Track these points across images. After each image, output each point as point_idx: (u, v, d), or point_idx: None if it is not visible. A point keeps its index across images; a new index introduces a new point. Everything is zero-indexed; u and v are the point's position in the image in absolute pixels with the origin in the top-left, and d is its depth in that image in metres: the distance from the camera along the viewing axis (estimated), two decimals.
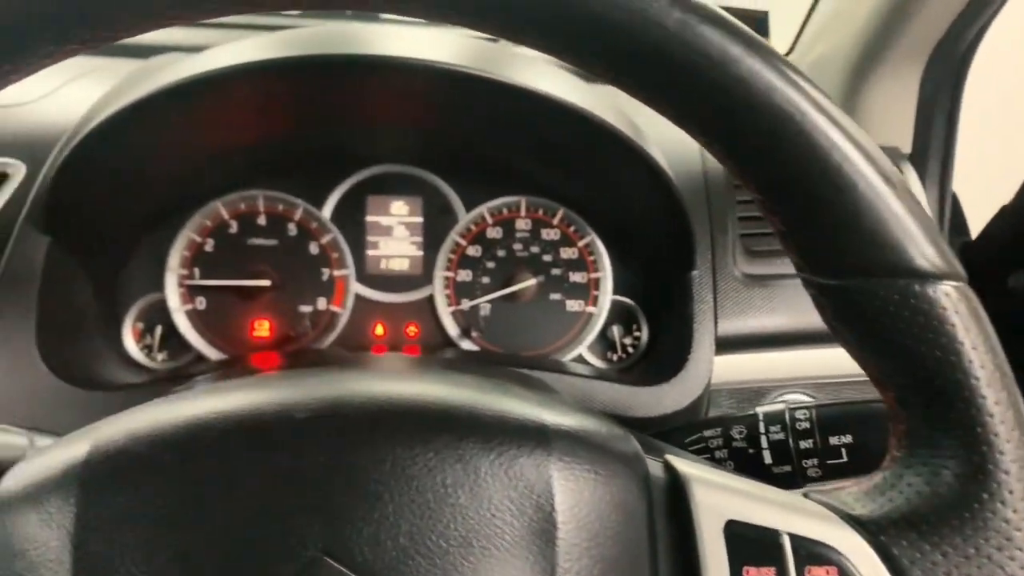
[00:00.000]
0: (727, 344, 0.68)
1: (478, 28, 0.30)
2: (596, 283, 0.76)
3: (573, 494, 0.29)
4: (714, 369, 0.67)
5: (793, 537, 0.30)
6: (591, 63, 0.30)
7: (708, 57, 0.28)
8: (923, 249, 0.29)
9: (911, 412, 0.31)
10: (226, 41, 0.67)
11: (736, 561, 0.30)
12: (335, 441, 0.28)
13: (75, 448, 0.29)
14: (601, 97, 0.64)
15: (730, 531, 0.30)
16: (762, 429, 0.45)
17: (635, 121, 0.66)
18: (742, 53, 0.28)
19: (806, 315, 0.69)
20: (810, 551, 0.30)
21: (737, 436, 0.46)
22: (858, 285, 0.30)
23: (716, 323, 0.68)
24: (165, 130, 0.65)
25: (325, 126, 0.72)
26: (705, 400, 0.68)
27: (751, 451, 0.45)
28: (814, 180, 0.29)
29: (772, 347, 0.69)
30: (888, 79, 0.76)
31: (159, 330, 0.72)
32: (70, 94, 0.73)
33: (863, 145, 0.29)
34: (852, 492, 0.32)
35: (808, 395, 0.70)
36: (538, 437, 0.30)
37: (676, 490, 0.32)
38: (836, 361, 0.71)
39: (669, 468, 0.32)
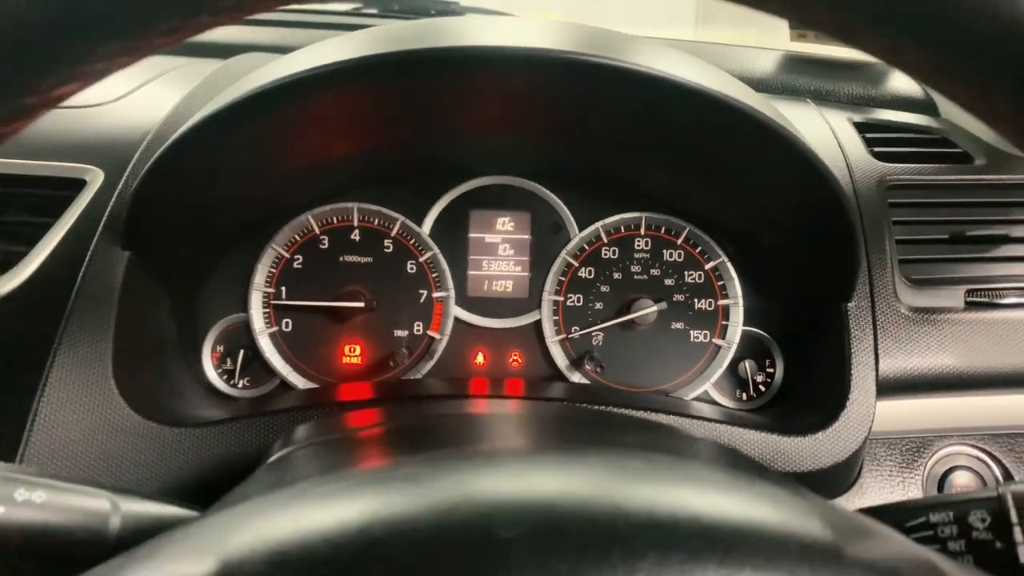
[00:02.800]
0: (888, 388, 0.59)
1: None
2: (725, 312, 0.67)
3: None
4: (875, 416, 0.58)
5: None
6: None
7: None
8: None
9: None
10: (304, 40, 0.60)
11: None
12: (562, 569, 0.20)
13: (199, 566, 0.21)
14: (745, 88, 0.56)
15: None
16: (1014, 518, 0.36)
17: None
18: None
19: (979, 355, 0.60)
20: None
21: (979, 525, 0.37)
22: None
23: (877, 363, 0.59)
24: (256, 137, 0.58)
25: (426, 133, 0.65)
26: (863, 452, 0.58)
27: (999, 544, 0.36)
28: None
29: (942, 392, 0.60)
30: None
31: (241, 354, 0.66)
32: (147, 96, 0.67)
33: None
34: None
35: (982, 448, 0.61)
36: (829, 566, 0.21)
37: None
38: (1013, 408, 0.61)
39: None
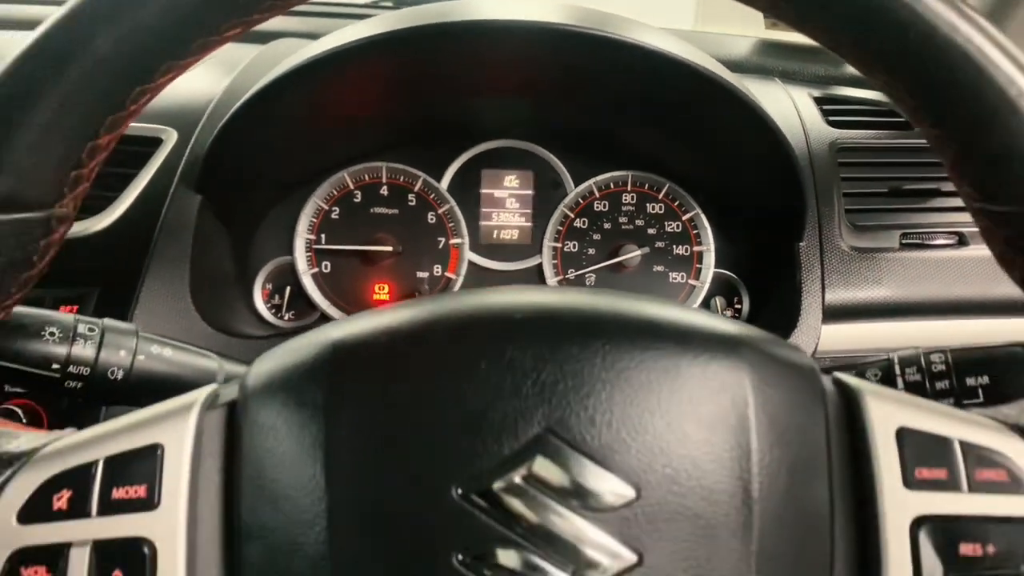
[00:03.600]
0: (833, 314, 0.70)
1: None
2: (699, 256, 0.79)
3: (763, 395, 0.32)
4: (821, 337, 0.69)
5: (963, 443, 0.33)
6: None
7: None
8: None
9: None
10: (329, 28, 0.72)
11: (908, 463, 0.33)
12: (552, 338, 0.32)
13: (322, 339, 0.33)
14: (714, 61, 0.67)
15: (901, 437, 0.33)
16: (898, 371, 0.48)
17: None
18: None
19: (911, 287, 0.71)
20: (980, 455, 0.33)
21: (871, 378, 0.48)
22: None
23: (824, 294, 0.70)
24: (304, 102, 0.69)
25: (444, 100, 0.76)
26: None
27: None
28: (992, 112, 0.32)
29: (878, 318, 0.71)
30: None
31: (288, 291, 0.77)
32: (207, 71, 0.79)
33: None
34: (1012, 408, 0.35)
35: None
36: (731, 345, 0.33)
37: (848, 401, 0.34)
38: (944, 332, 0.72)
39: (839, 383, 0.35)
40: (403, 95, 0.75)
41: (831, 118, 0.79)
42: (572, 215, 0.79)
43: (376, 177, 0.79)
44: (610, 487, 0.30)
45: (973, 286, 0.72)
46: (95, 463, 0.31)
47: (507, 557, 0.30)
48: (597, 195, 0.79)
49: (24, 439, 0.32)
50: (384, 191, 0.79)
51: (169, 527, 0.31)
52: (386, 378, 0.31)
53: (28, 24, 0.98)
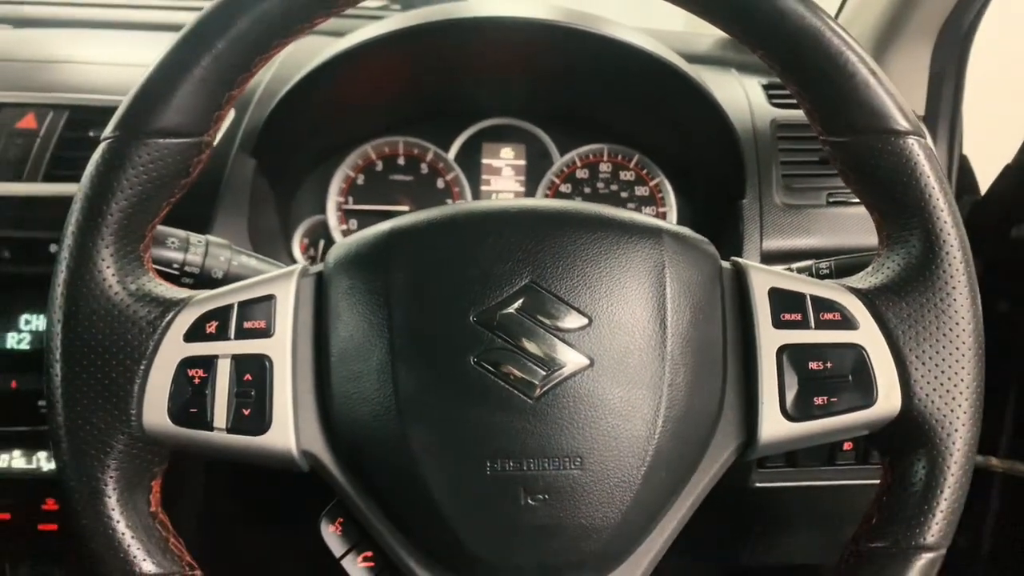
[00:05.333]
0: (769, 258, 0.86)
1: None
2: (663, 215, 0.95)
3: (678, 267, 0.48)
4: None
5: (812, 297, 0.49)
6: None
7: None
8: (897, 115, 0.48)
9: (889, 221, 0.49)
10: (345, 27, 0.88)
11: (776, 310, 0.49)
12: (533, 224, 0.47)
13: (381, 228, 0.49)
14: (671, 51, 0.83)
15: (772, 294, 0.49)
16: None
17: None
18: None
19: (834, 237, 0.87)
20: (823, 304, 0.49)
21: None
22: (857, 140, 0.48)
23: (762, 241, 0.86)
24: (336, 87, 0.85)
25: (451, 86, 0.92)
26: None
27: None
28: (833, 71, 0.47)
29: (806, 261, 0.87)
30: (903, 53, 0.93)
31: (322, 244, 0.93)
32: None
33: (859, 53, 0.48)
34: (853, 278, 0.51)
35: None
36: (655, 234, 0.49)
37: (738, 273, 0.50)
38: None
39: (734, 262, 0.51)
40: (416, 81, 0.91)
41: (774, 101, 0.95)
42: (558, 181, 0.95)
43: (394, 149, 0.94)
44: (572, 318, 0.46)
45: None
46: (232, 305, 0.47)
47: (504, 359, 0.45)
48: (579, 164, 0.95)
49: (176, 290, 0.48)
50: (401, 161, 0.95)
51: (281, 348, 0.47)
52: (424, 248, 0.47)
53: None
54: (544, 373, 0.45)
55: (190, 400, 0.45)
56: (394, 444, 0.45)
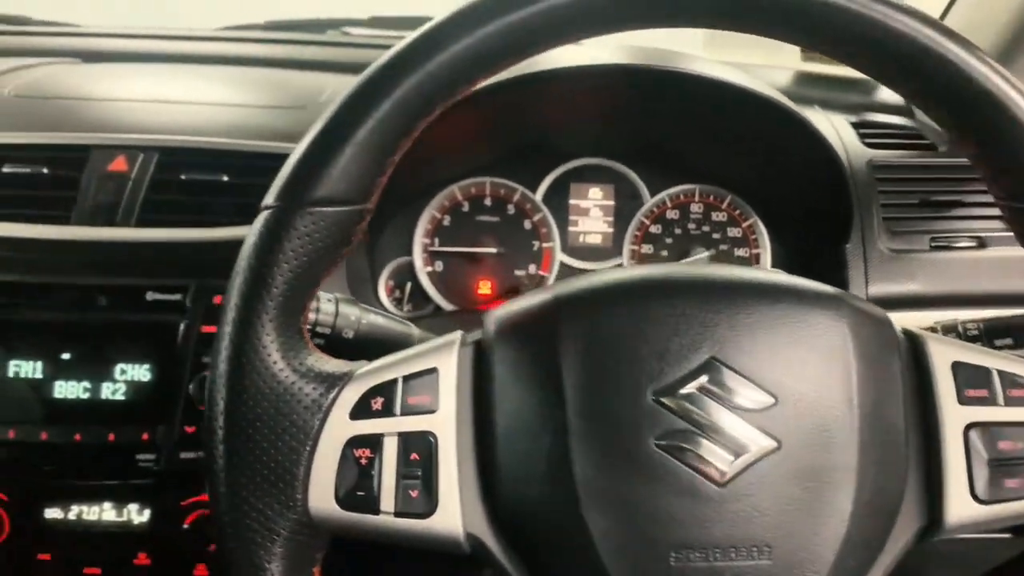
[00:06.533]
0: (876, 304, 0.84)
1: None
2: (756, 257, 0.92)
3: (858, 336, 0.46)
4: None
5: (999, 371, 0.46)
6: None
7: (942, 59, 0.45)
8: None
9: None
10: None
11: (960, 386, 0.46)
12: (709, 294, 0.45)
13: (546, 295, 0.46)
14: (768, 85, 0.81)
15: (955, 368, 0.47)
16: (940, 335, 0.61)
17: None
18: (965, 55, 0.44)
19: (941, 282, 0.85)
20: (1011, 380, 0.46)
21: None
22: None
23: (867, 288, 0.84)
24: (426, 134, 0.83)
25: (539, 127, 0.91)
26: None
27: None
28: (1012, 135, 0.45)
29: (912, 308, 0.84)
30: None
31: (408, 286, 0.91)
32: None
33: None
34: None
35: None
36: (836, 303, 0.46)
37: (914, 345, 0.48)
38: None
39: (907, 332, 0.49)
40: (504, 124, 0.89)
41: (867, 140, 0.92)
42: (648, 222, 0.93)
43: (481, 190, 0.93)
44: (756, 396, 0.44)
45: (991, 282, 0.85)
46: (396, 380, 0.45)
47: (686, 441, 0.43)
48: (669, 205, 0.93)
49: (337, 363, 0.46)
50: (487, 202, 0.93)
51: (446, 424, 0.45)
52: (595, 319, 0.45)
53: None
54: (730, 457, 0.43)
55: (357, 482, 0.43)
56: (569, 530, 0.43)
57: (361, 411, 0.44)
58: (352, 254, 0.48)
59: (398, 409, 0.44)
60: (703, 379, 0.43)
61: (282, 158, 0.84)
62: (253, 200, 0.81)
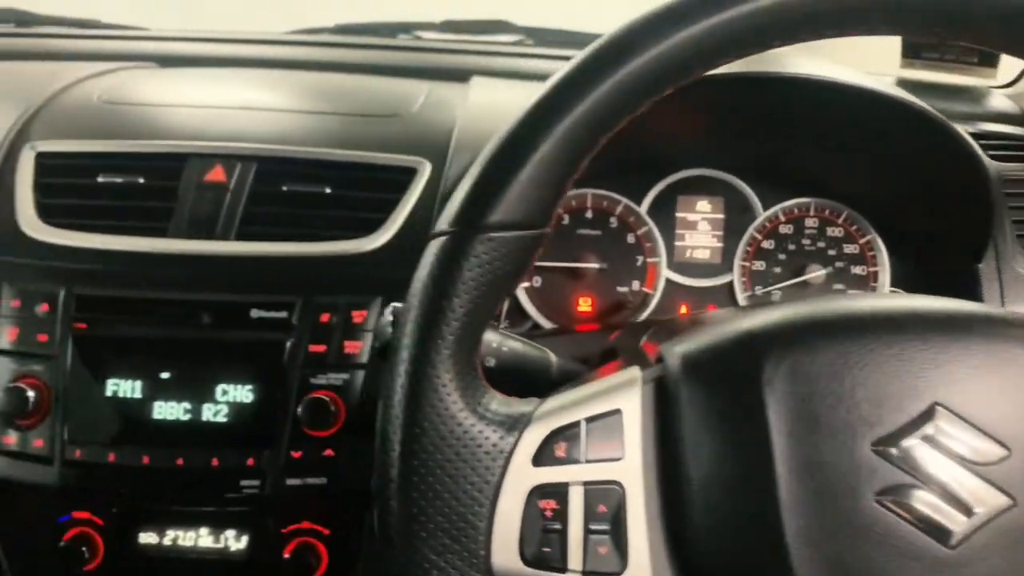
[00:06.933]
0: None
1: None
2: (874, 276, 0.87)
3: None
4: None
5: None
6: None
7: None
8: None
9: None
10: None
11: None
12: (927, 333, 0.41)
13: (735, 329, 0.42)
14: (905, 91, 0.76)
15: None
16: None
17: None
18: None
19: None
20: None
21: None
22: None
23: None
24: None
25: (644, 137, 0.86)
26: None
27: None
28: None
29: None
30: None
31: (506, 303, 0.87)
32: (432, 105, 0.90)
33: None
34: None
35: None
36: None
37: None
38: None
39: None
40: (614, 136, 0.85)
41: (991, 152, 0.87)
42: (760, 237, 0.88)
43: (582, 202, 0.88)
44: (986, 447, 0.39)
45: None
46: (579, 422, 0.40)
47: (911, 497, 0.38)
48: (782, 219, 0.88)
49: (514, 402, 0.42)
50: (589, 215, 0.88)
51: (633, 473, 0.40)
52: (801, 359, 0.40)
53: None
54: (960, 516, 0.38)
55: (542, 537, 0.39)
56: None
57: (544, 457, 0.40)
58: (527, 281, 0.44)
59: (583, 455, 0.40)
60: (927, 427, 0.39)
61: (383, 169, 0.82)
62: (353, 213, 0.78)
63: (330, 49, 1.20)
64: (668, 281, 0.88)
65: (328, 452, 0.70)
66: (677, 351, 0.43)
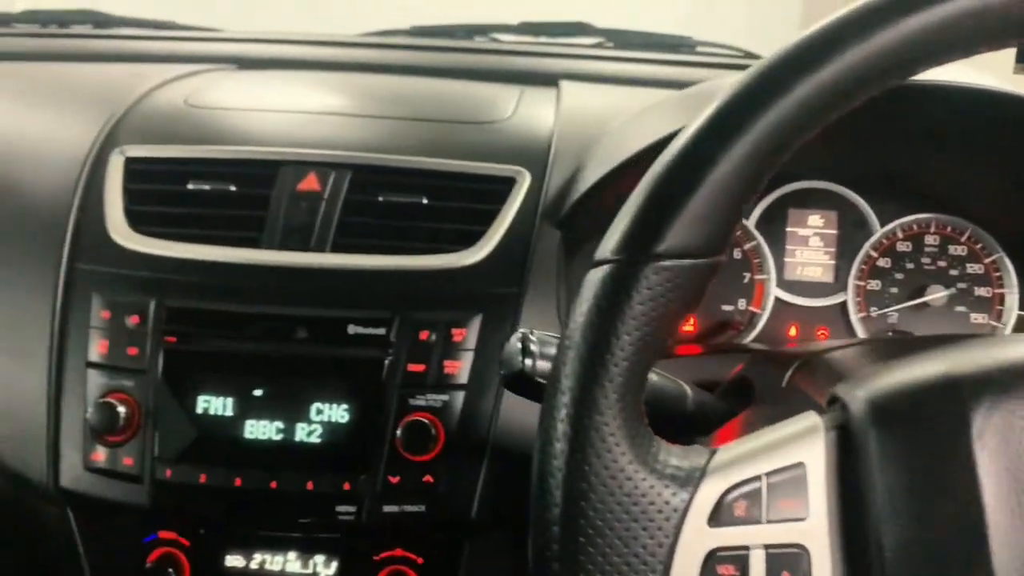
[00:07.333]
0: None
1: None
2: (1001, 298, 0.81)
3: None
4: None
5: None
6: None
7: None
8: None
9: None
10: None
11: None
12: None
13: (932, 372, 0.37)
14: None
15: None
16: None
17: None
18: None
19: None
20: None
21: None
22: None
23: None
24: None
25: None
26: None
27: None
28: None
29: None
30: None
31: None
32: (530, 109, 0.86)
33: None
34: None
35: None
36: None
37: None
38: None
39: None
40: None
41: None
42: (876, 255, 0.82)
43: None
44: None
45: None
46: (759, 477, 0.36)
47: None
48: (900, 236, 0.82)
49: (683, 451, 0.37)
50: None
51: (818, 535, 0.36)
52: (1013, 408, 0.35)
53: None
54: None
55: None
56: None
57: (722, 516, 0.35)
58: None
59: (764, 515, 0.36)
60: None
61: (481, 179, 0.78)
62: (450, 224, 0.75)
63: (407, 52, 1.17)
64: (777, 300, 0.83)
65: (427, 478, 0.66)
66: (861, 395, 0.38)
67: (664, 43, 1.27)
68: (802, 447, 0.37)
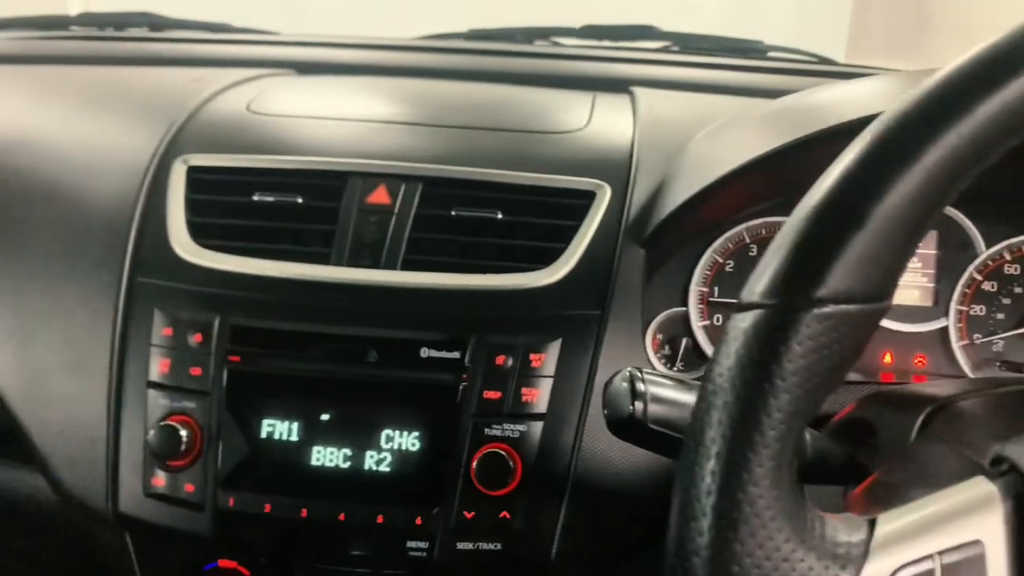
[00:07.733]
0: None
1: None
2: None
3: None
4: None
5: None
6: None
7: None
8: None
9: None
10: None
11: None
12: None
13: None
14: None
15: None
16: None
17: None
18: None
19: None
20: None
21: None
22: None
23: None
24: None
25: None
26: None
27: None
28: None
29: None
30: None
31: (684, 342, 0.77)
32: (602, 123, 0.81)
33: None
34: None
35: None
36: None
37: None
38: None
39: None
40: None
41: None
42: (980, 278, 0.76)
43: (772, 231, 0.78)
44: None
45: None
46: (931, 557, 0.31)
47: None
48: (1008, 258, 0.76)
49: (839, 525, 0.33)
50: None
51: None
52: None
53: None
54: None
55: None
56: None
57: None
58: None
59: None
60: None
61: (559, 193, 0.73)
62: (527, 241, 0.70)
63: (467, 56, 1.13)
64: None
65: (504, 514, 0.62)
66: None
67: (734, 47, 1.21)
68: (976, 520, 0.32)
